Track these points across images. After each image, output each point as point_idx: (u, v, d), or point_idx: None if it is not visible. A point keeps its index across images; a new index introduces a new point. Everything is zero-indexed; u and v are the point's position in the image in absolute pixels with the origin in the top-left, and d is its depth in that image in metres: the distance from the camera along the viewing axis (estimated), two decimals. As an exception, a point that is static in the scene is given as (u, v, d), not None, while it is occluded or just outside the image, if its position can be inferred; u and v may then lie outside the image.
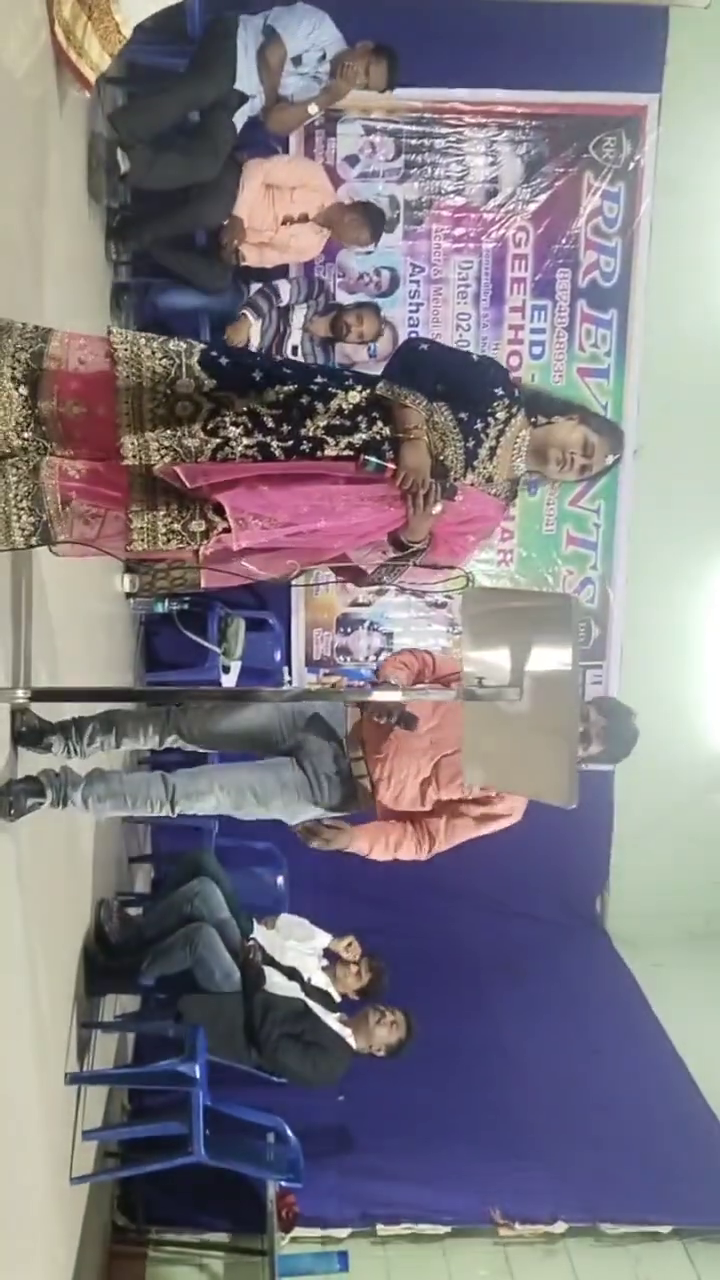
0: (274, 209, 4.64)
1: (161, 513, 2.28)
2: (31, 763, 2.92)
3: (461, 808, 3.13)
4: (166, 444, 2.25)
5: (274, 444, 2.28)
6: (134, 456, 2.25)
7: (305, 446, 2.30)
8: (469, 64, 5.18)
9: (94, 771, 3.05)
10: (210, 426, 2.27)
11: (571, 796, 2.07)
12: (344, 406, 2.33)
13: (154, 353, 2.30)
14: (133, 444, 2.25)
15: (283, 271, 5.00)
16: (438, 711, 3.11)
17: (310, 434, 2.30)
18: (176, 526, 2.28)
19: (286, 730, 3.18)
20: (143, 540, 2.28)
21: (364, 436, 2.33)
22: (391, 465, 2.31)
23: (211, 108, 4.39)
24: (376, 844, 3.17)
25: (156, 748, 3.28)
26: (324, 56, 4.52)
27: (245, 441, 2.27)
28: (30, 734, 2.90)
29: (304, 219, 4.70)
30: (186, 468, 2.23)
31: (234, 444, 2.27)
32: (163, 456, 2.25)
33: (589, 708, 3.11)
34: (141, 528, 2.28)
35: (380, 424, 2.35)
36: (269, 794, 3.08)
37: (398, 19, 4.76)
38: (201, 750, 3.24)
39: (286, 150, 5.17)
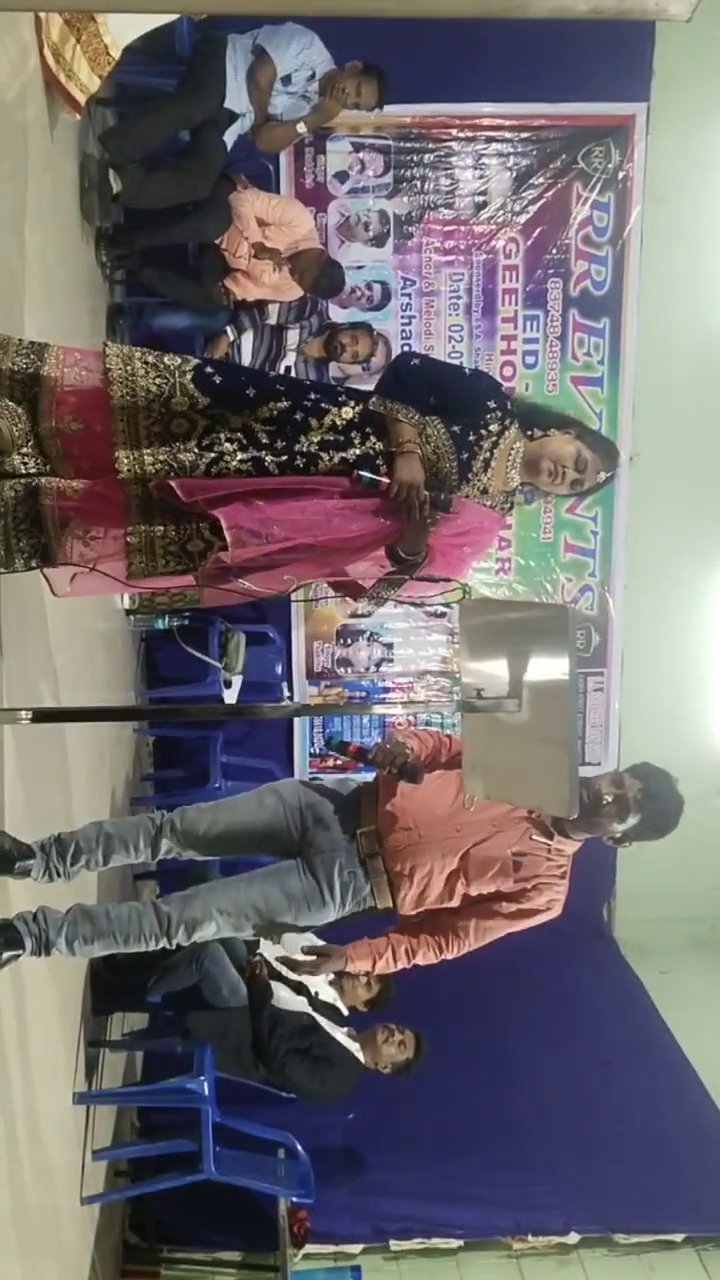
0: (245, 236, 4.67)
1: (159, 532, 2.27)
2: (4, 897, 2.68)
3: (494, 905, 2.85)
4: (162, 459, 2.26)
5: (268, 459, 2.29)
6: (129, 470, 2.24)
7: (299, 462, 2.31)
8: (457, 78, 5.21)
9: (76, 910, 2.77)
10: (205, 443, 2.28)
11: (572, 806, 2.07)
12: (337, 422, 2.34)
13: (148, 371, 2.31)
14: (128, 459, 2.25)
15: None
16: (461, 795, 2.83)
17: (304, 449, 2.31)
18: (174, 548, 2.28)
19: (295, 823, 2.90)
20: (141, 561, 2.27)
21: (357, 451, 2.34)
22: (385, 480, 2.31)
23: (202, 127, 4.42)
24: (383, 959, 2.90)
25: (149, 861, 2.95)
26: (313, 75, 4.55)
27: (240, 456, 2.28)
28: (2, 859, 2.60)
29: (274, 253, 4.73)
30: (182, 481, 2.23)
31: (228, 459, 2.27)
32: (158, 470, 2.25)
33: (623, 775, 2.84)
34: (139, 547, 2.27)
35: (374, 439, 2.36)
36: (275, 909, 2.81)
37: (385, 36, 4.79)
38: (200, 859, 2.97)
39: (277, 168, 5.22)
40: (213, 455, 2.27)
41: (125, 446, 2.26)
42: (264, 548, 2.24)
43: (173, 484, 2.22)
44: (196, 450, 2.27)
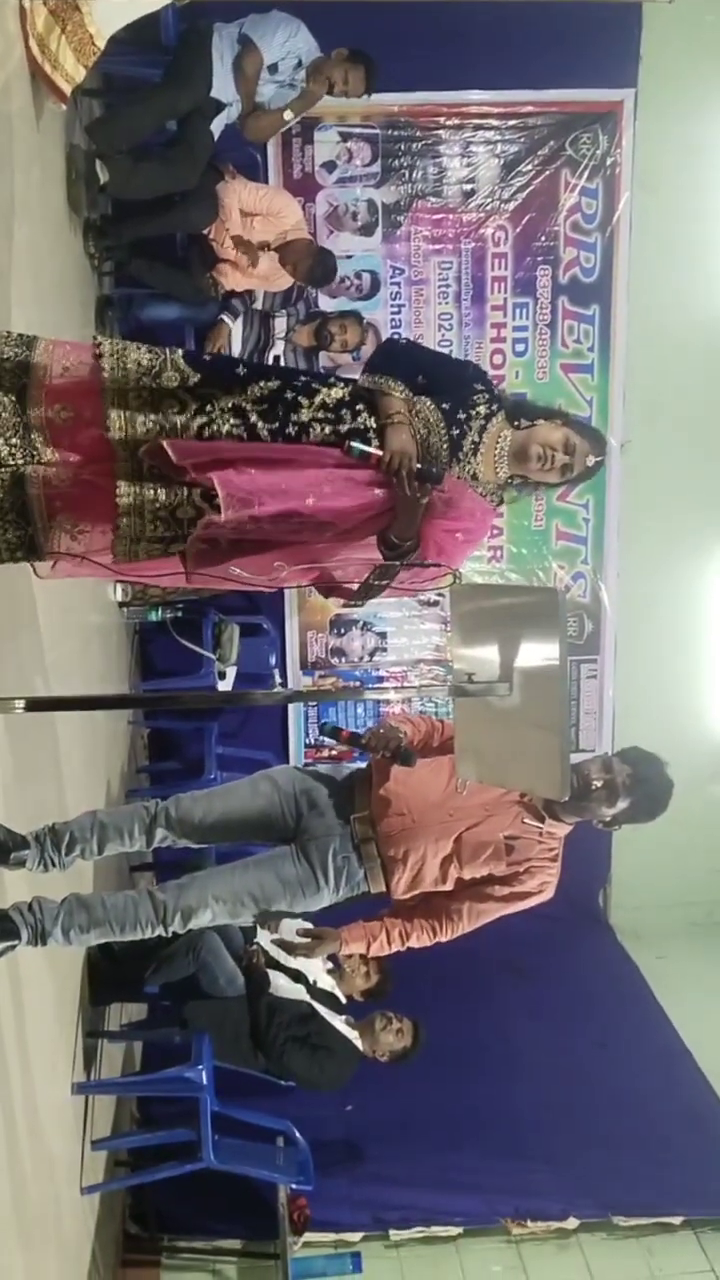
0: (227, 228, 4.66)
1: (149, 495, 2.25)
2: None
3: (487, 888, 2.88)
4: (153, 420, 2.26)
5: (260, 425, 2.30)
6: (119, 430, 2.23)
7: (291, 430, 2.31)
8: (444, 66, 5.20)
9: (71, 899, 2.76)
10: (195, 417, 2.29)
11: (564, 789, 2.08)
12: (327, 401, 2.35)
13: (139, 348, 2.32)
14: (118, 417, 2.24)
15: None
16: (454, 780, 2.86)
17: (296, 420, 2.32)
18: (164, 513, 2.26)
19: (289, 809, 2.92)
20: (130, 523, 2.23)
21: (348, 427, 2.35)
22: (376, 451, 2.31)
23: (189, 116, 4.40)
24: (377, 941, 2.92)
25: (145, 849, 2.96)
26: (300, 64, 4.52)
27: (232, 421, 2.28)
28: None
29: (264, 246, 4.71)
30: (174, 442, 2.23)
31: (219, 423, 2.27)
32: (147, 432, 2.24)
33: (613, 759, 2.90)
34: (129, 508, 2.23)
35: (365, 415, 2.37)
36: (270, 895, 2.81)
37: (372, 23, 4.78)
38: (195, 846, 2.97)
39: (265, 158, 5.20)
40: (203, 419, 2.27)
41: (116, 408, 2.25)
42: (258, 509, 2.22)
43: (164, 444, 2.21)
44: (188, 416, 2.27)
